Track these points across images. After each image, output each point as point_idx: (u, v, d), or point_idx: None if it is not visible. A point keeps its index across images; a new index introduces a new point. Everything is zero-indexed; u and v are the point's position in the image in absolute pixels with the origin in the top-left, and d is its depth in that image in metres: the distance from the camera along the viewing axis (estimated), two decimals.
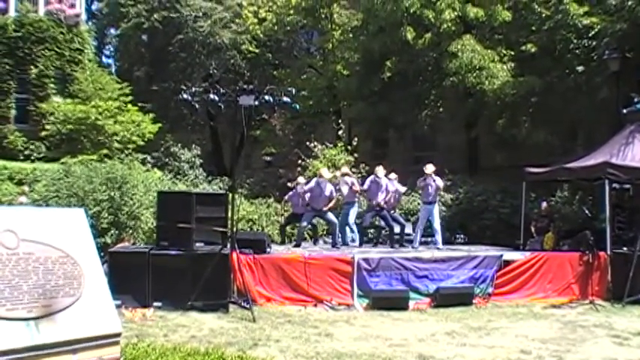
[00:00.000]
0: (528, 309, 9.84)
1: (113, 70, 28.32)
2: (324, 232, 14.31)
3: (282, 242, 13.32)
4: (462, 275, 10.52)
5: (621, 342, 7.55)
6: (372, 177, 12.73)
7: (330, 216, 12.41)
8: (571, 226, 13.41)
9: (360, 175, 15.88)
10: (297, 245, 12.22)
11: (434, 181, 12.47)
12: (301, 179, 13.58)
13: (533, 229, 13.22)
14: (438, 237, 12.59)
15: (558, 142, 17.03)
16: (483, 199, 15.86)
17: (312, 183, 12.59)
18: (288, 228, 14.10)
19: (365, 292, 9.95)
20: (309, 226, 13.07)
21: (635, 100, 10.57)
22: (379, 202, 12.38)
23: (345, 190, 12.97)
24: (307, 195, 12.57)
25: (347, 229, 13.20)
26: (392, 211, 12.88)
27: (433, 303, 9.95)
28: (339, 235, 12.63)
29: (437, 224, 12.63)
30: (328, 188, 12.35)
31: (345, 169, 13.53)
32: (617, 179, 11.41)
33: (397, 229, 12.75)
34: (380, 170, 12.58)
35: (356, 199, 13.36)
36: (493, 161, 19.84)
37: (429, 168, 12.56)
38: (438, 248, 12.13)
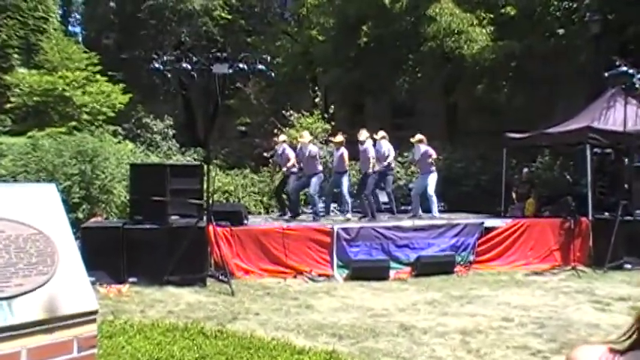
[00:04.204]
0: (510, 276, 9.82)
1: (80, 39, 27.48)
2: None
3: (283, 214, 12.40)
4: (443, 244, 10.46)
5: (603, 307, 7.58)
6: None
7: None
8: (552, 192, 13.34)
9: None
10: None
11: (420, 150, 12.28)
12: (282, 137, 13.09)
13: (514, 196, 13.17)
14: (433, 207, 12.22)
15: (539, 106, 16.91)
16: (463, 166, 15.70)
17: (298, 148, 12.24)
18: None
19: (345, 263, 9.83)
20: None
21: (617, 63, 10.37)
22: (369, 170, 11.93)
23: (335, 159, 12.39)
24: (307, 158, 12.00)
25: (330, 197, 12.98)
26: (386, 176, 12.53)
27: (414, 272, 9.87)
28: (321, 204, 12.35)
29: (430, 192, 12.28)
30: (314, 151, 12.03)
31: (340, 138, 12.80)
32: (598, 144, 11.36)
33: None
34: (362, 134, 12.04)
35: (347, 169, 12.67)
36: (472, 127, 19.68)
37: (416, 137, 12.36)
38: (430, 216, 11.90)
